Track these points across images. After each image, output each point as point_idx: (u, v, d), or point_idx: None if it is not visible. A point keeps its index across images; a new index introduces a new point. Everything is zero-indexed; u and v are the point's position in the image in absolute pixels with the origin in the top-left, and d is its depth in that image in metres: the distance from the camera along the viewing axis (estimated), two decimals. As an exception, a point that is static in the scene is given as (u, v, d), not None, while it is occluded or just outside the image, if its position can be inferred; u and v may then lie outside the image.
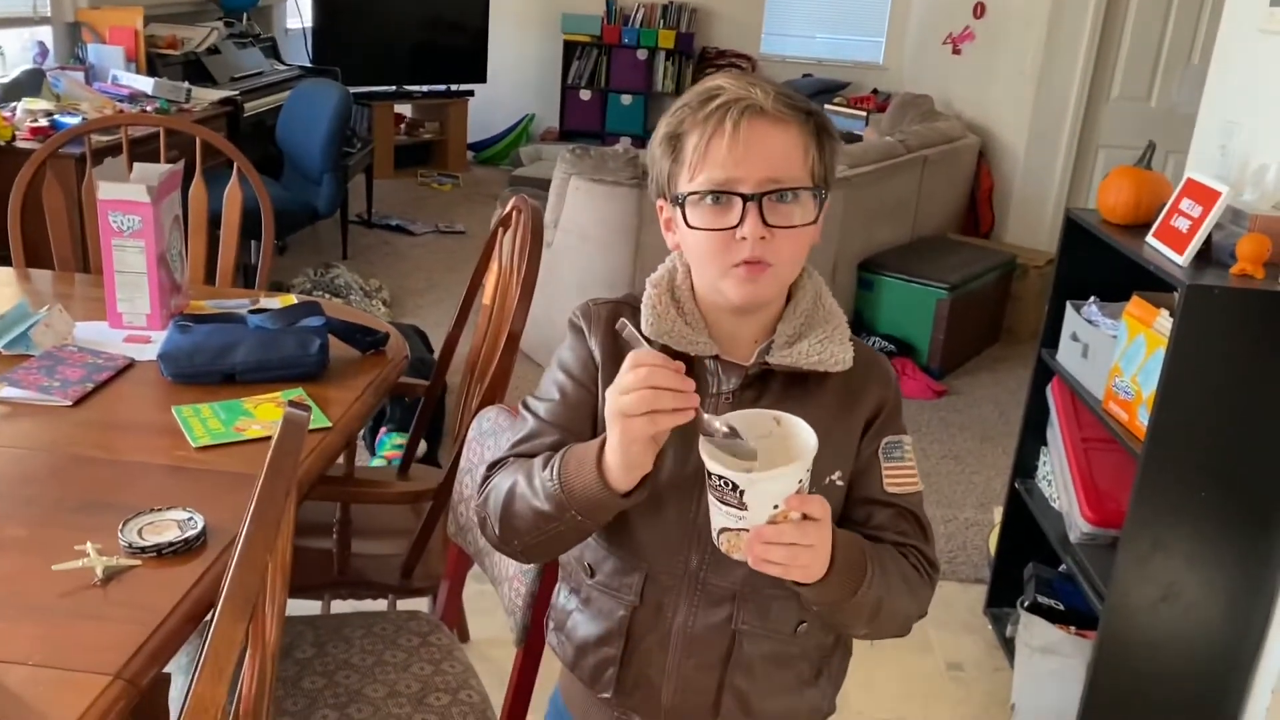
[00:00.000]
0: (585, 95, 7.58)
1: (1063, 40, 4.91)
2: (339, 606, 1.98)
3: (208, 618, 1.21)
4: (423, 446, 3.00)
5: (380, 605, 1.95)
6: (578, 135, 7.44)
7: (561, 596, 1.21)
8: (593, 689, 1.17)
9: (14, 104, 3.60)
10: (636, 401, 0.93)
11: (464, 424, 1.97)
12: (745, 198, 1.00)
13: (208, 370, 1.71)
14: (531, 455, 1.09)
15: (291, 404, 0.95)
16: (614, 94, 7.54)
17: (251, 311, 1.85)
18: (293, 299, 2.07)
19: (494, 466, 1.12)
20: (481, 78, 7.23)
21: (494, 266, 2.05)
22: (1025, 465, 2.61)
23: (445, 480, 1.78)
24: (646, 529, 1.10)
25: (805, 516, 0.94)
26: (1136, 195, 2.20)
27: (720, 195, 1.01)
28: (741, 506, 0.93)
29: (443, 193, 6.83)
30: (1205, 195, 1.96)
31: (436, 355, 2.22)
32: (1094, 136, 5.05)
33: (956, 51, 5.97)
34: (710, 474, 0.95)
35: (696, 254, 1.06)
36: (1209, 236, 1.95)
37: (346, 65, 6.00)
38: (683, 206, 1.04)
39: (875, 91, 7.05)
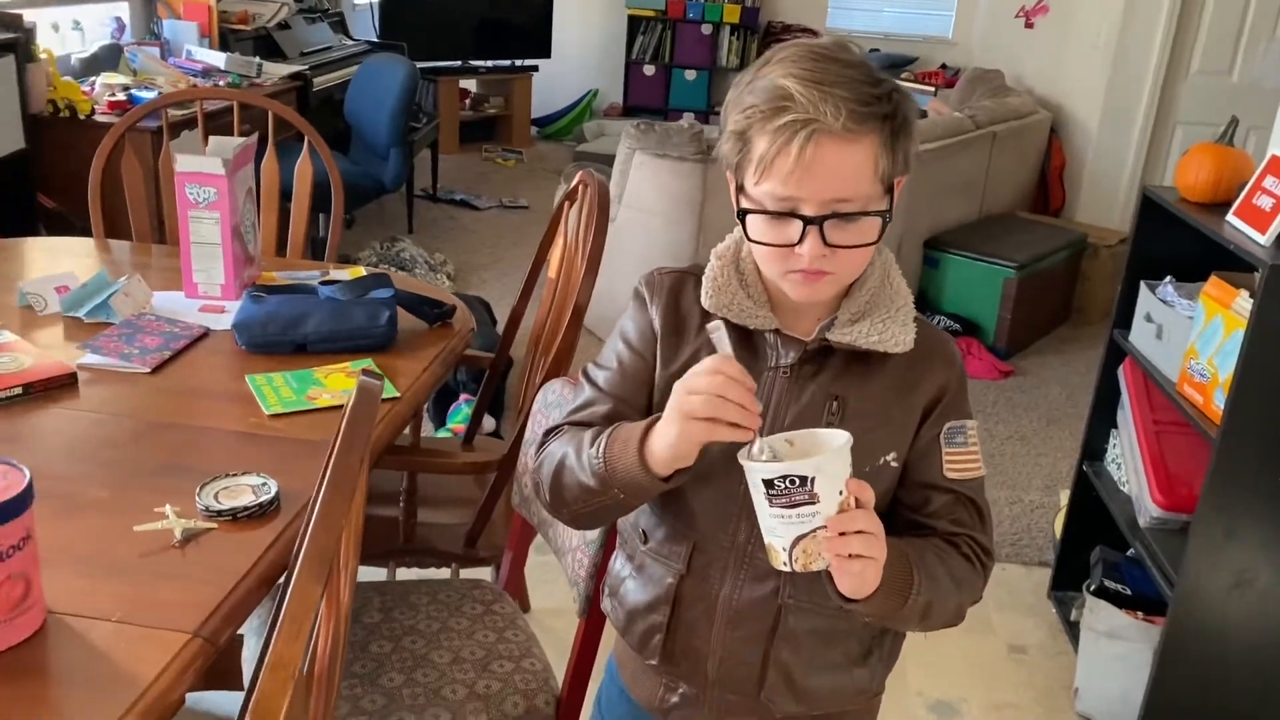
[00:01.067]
0: (649, 70, 7.55)
1: (1140, 13, 4.77)
2: (403, 574, 2.01)
3: (280, 581, 1.24)
4: (490, 423, 3.04)
5: (444, 573, 1.98)
6: (641, 111, 7.41)
7: (618, 563, 1.22)
8: (641, 655, 1.19)
9: (93, 79, 3.68)
10: (703, 406, 0.94)
11: (528, 397, 1.99)
12: (806, 220, 0.98)
13: (280, 340, 1.75)
14: (588, 424, 1.11)
15: (364, 373, 0.96)
16: (678, 69, 7.50)
17: (322, 283, 1.88)
18: (361, 270, 2.10)
19: (550, 433, 1.14)
20: (546, 53, 7.23)
21: (559, 241, 2.06)
22: (1094, 447, 2.56)
23: (509, 452, 1.80)
24: (697, 500, 1.10)
25: (858, 503, 0.94)
26: (1217, 172, 2.13)
27: (781, 214, 1.00)
28: (813, 500, 0.92)
29: (506, 168, 6.86)
30: (1290, 172, 1.90)
31: (501, 328, 2.24)
32: (1171, 113, 4.91)
33: (1029, 25, 5.83)
34: (771, 483, 0.93)
35: (757, 253, 1.06)
36: (1293, 215, 1.89)
37: (413, 40, 6.04)
38: (743, 217, 1.03)
39: (944, 66, 6.92)
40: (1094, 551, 2.51)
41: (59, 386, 1.58)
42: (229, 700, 1.83)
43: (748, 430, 0.94)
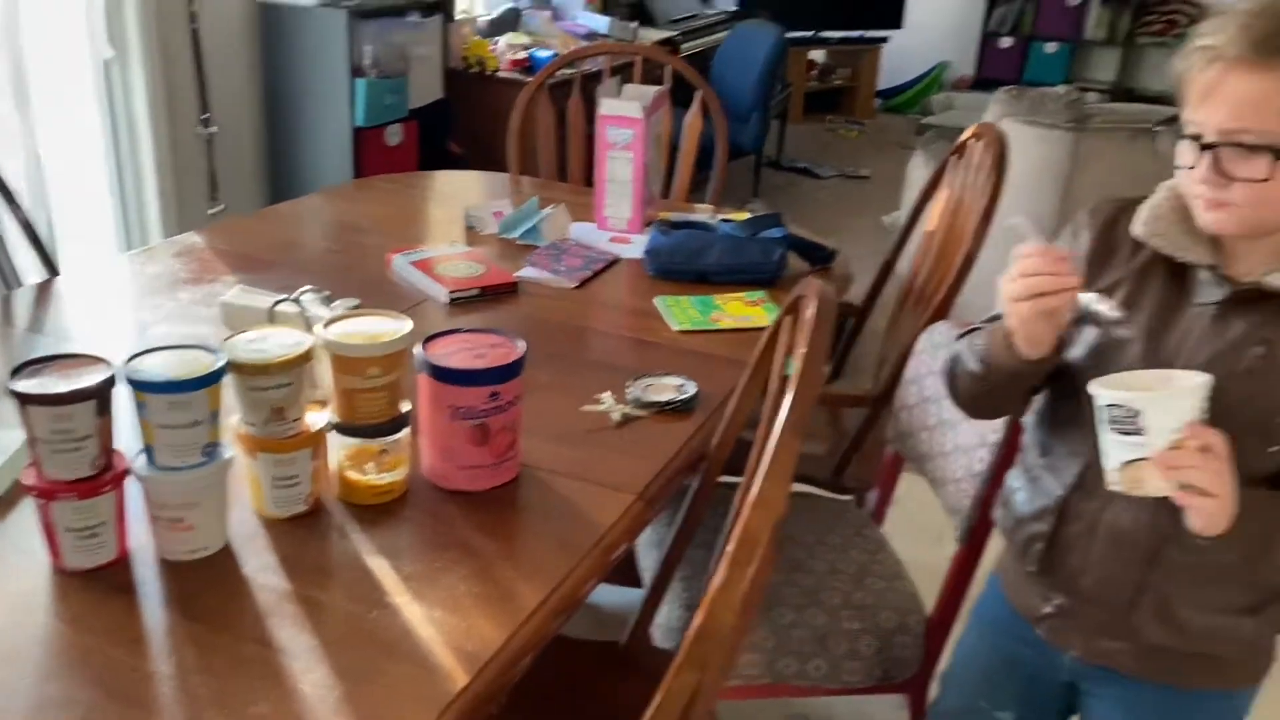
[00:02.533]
0: (1006, 43, 7.28)
1: None
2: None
3: (688, 483, 1.40)
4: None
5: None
6: (993, 84, 7.12)
7: (1012, 477, 1.30)
8: (1020, 562, 1.26)
9: (497, 39, 4.10)
10: (1019, 287, 1.05)
11: (898, 342, 2.06)
12: (1202, 145, 1.03)
13: (685, 269, 1.92)
14: None
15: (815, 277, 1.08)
16: (1037, 41, 7.18)
17: (723, 220, 2.04)
18: (746, 215, 2.25)
19: (961, 336, 1.26)
20: (897, 23, 7.15)
21: (942, 194, 2.11)
22: None
23: (885, 389, 1.88)
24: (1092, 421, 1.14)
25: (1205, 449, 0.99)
26: None
27: (1186, 138, 1.06)
28: (1140, 431, 1.00)
29: (848, 139, 6.89)
30: None
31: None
32: None
33: None
34: (1105, 407, 1.02)
35: (1178, 178, 1.11)
36: None
37: (770, 9, 6.17)
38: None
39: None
40: None
41: (505, 292, 1.83)
42: (626, 595, 2.04)
43: (1066, 294, 1.04)
